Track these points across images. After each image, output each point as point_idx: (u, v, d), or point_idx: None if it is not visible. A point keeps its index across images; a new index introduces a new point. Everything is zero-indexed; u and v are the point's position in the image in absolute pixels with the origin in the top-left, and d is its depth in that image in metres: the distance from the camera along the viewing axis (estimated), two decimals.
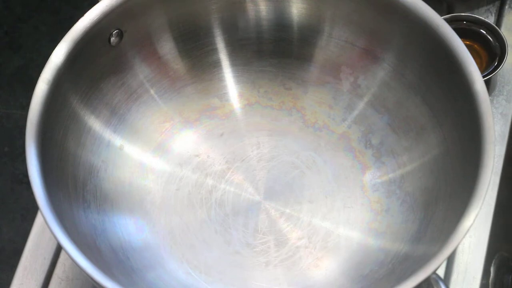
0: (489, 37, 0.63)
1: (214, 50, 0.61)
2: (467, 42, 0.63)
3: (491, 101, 0.63)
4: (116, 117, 0.59)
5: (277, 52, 0.62)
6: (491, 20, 0.67)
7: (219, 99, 0.63)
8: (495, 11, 0.67)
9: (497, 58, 0.63)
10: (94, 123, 0.57)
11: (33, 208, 0.50)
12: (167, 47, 0.60)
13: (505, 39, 0.62)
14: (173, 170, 0.61)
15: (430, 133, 0.56)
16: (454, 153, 0.53)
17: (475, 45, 0.64)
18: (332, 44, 0.59)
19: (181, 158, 0.61)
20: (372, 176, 0.60)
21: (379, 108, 0.60)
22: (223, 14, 0.59)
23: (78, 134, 0.55)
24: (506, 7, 0.67)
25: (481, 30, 0.63)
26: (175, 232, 0.58)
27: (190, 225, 0.59)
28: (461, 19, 0.64)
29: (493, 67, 0.62)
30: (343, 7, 0.56)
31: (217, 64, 0.62)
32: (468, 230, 0.46)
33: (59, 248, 0.59)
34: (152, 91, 0.61)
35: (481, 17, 0.63)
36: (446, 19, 0.58)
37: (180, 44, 0.60)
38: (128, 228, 0.57)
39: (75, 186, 0.54)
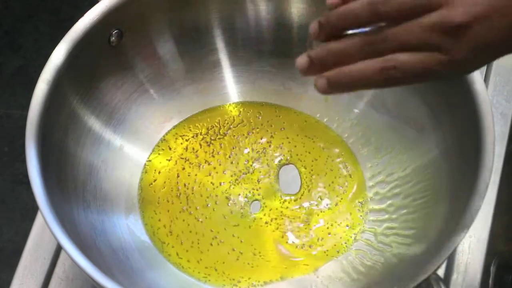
0: None
1: (214, 50, 0.61)
2: None
3: (491, 101, 0.63)
4: (116, 117, 0.59)
5: (277, 52, 0.62)
6: None
7: (219, 99, 0.63)
8: None
9: None
10: (94, 123, 0.57)
11: (33, 208, 0.50)
12: (167, 47, 0.60)
13: None
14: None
15: (430, 133, 0.56)
16: (454, 153, 0.53)
17: None
18: None
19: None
20: (372, 176, 0.60)
21: (379, 108, 0.60)
22: (223, 14, 0.59)
23: (78, 134, 0.55)
24: None
25: None
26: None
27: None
28: None
29: None
30: None
31: (217, 64, 0.62)
32: (468, 230, 0.46)
33: (59, 248, 0.59)
34: (152, 91, 0.61)
35: None
36: None
37: (180, 44, 0.60)
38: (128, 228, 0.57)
39: (75, 186, 0.54)
